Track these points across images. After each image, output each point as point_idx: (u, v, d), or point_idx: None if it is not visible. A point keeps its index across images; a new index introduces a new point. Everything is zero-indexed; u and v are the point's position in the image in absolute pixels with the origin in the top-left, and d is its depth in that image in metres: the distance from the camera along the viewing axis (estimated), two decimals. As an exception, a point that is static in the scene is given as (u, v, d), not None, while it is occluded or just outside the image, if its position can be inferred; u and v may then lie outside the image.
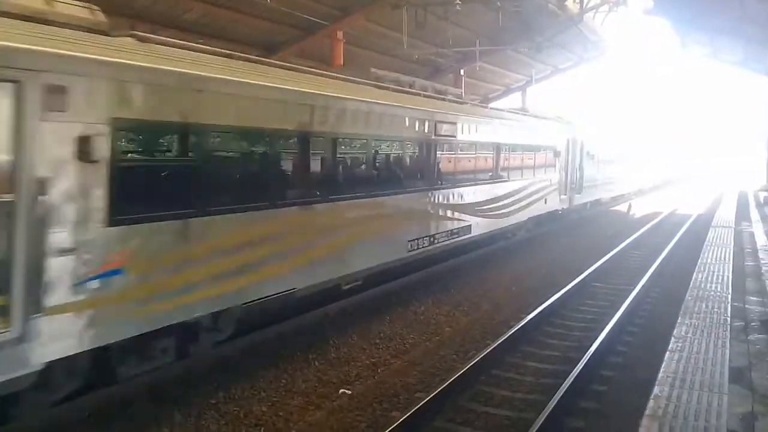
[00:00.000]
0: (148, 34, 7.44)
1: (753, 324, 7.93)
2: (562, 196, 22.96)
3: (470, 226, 14.88)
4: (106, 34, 6.65)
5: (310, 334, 10.09)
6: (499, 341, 9.61)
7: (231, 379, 8.27)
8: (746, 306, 8.80)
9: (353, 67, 13.10)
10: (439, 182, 13.59)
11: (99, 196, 6.23)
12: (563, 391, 7.71)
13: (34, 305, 5.70)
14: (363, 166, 11.13)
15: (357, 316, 11.20)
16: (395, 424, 6.78)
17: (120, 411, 7.09)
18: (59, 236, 5.86)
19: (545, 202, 21.21)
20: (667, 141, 53.67)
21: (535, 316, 11.01)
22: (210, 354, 8.42)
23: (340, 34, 22.21)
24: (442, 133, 13.32)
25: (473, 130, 14.97)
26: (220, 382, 8.13)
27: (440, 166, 13.67)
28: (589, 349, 9.26)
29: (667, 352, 6.74)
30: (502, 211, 17.10)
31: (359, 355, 9.54)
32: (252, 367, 8.71)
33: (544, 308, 11.52)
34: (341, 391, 8.21)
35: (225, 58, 8.29)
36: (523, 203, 18.66)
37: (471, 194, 14.88)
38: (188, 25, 17.90)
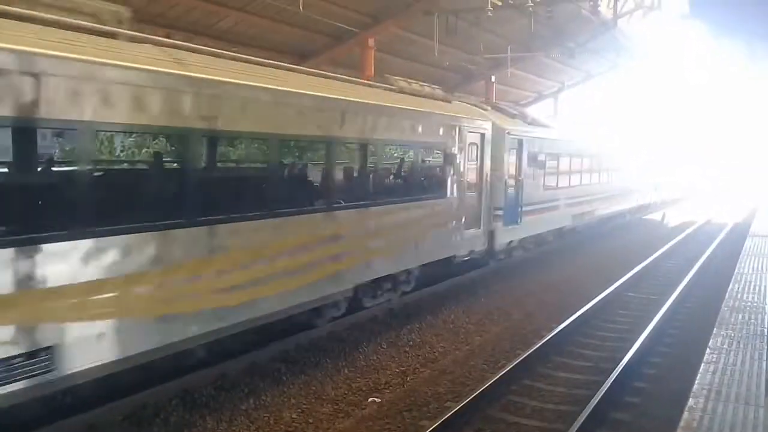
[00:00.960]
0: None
1: (791, 336, 7.73)
2: (470, 231, 14.03)
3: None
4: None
5: (339, 341, 10.12)
6: (530, 351, 9.52)
7: (261, 385, 8.34)
8: (784, 317, 8.58)
9: (384, 75, 13.20)
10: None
11: None
12: (595, 402, 7.61)
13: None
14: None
15: (386, 324, 11.21)
16: (425, 433, 6.76)
17: (153, 415, 7.20)
18: None
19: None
20: (699, 149, 52.51)
21: (566, 326, 10.89)
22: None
23: (371, 42, 22.29)
24: None
25: None
26: (250, 388, 8.21)
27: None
28: (622, 360, 9.13)
29: (702, 364, 6.60)
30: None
31: (389, 363, 9.54)
32: (282, 373, 8.76)
33: (576, 318, 11.39)
34: (370, 399, 8.22)
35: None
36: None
37: None
38: (222, 33, 18.14)
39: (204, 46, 8.30)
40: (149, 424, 7.06)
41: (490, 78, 31.15)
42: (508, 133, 15.47)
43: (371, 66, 22.34)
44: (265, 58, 9.53)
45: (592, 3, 23.10)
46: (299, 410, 7.81)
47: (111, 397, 6.93)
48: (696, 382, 6.11)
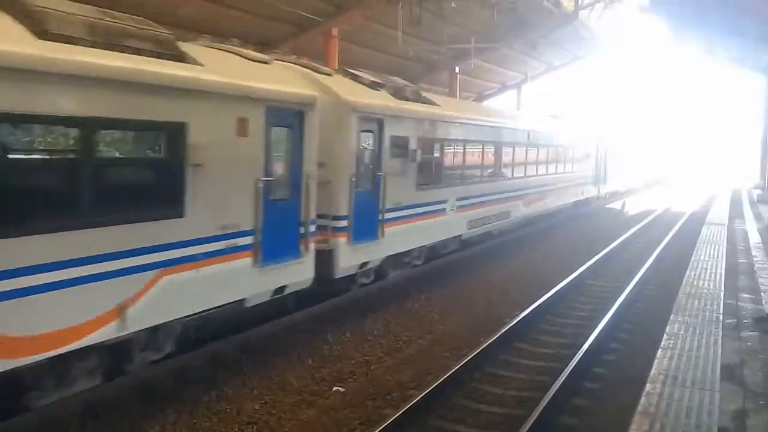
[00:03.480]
0: None
1: (745, 321, 7.94)
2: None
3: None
4: None
5: (302, 331, 10.07)
6: (492, 338, 9.61)
7: (223, 377, 8.25)
8: (739, 303, 8.80)
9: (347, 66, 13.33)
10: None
11: None
12: (556, 389, 7.71)
13: None
14: None
15: (351, 313, 11.19)
16: (388, 422, 6.77)
17: (111, 408, 7.06)
18: None
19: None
20: (662, 138, 53.88)
21: (528, 314, 11.01)
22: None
23: (335, 31, 22.18)
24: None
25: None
26: (212, 380, 8.11)
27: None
28: (582, 346, 9.27)
29: (660, 350, 6.74)
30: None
31: (352, 353, 9.53)
32: (244, 364, 8.69)
33: (538, 305, 11.53)
34: (334, 388, 8.20)
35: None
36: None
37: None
38: (181, 21, 17.82)
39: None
40: (107, 417, 6.92)
41: (454, 69, 31.28)
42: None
43: (335, 56, 22.23)
44: (227, 46, 9.43)
45: (554, -5, 23.38)
46: (262, 401, 7.75)
47: (64, 389, 6.77)
48: (653, 367, 6.23)
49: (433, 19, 22.34)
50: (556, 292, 12.59)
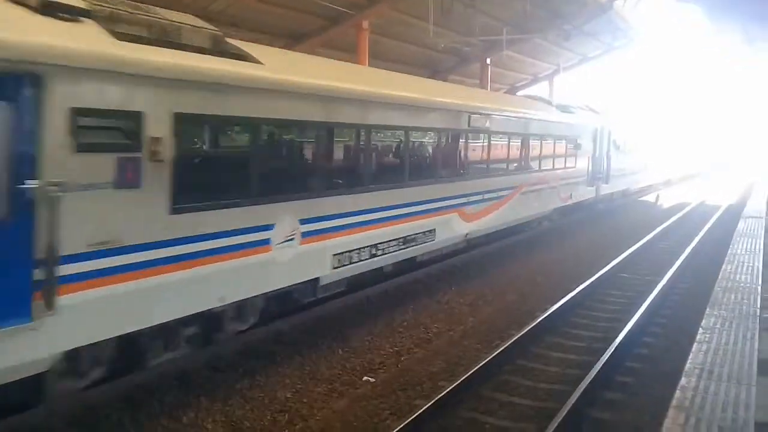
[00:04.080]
0: None
1: (783, 316, 7.79)
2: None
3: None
4: None
5: (334, 322, 10.15)
6: (524, 331, 9.57)
7: (256, 366, 8.37)
8: (776, 298, 8.64)
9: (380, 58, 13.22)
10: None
11: None
12: (588, 382, 7.66)
13: None
14: None
15: (381, 305, 11.23)
16: (419, 413, 6.80)
17: (148, 396, 7.22)
18: None
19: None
20: (698, 130, 52.76)
21: (560, 307, 10.94)
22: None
23: (365, 24, 22.18)
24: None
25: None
26: (245, 369, 8.23)
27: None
28: (614, 340, 9.19)
29: (695, 344, 6.65)
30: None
31: (383, 344, 9.57)
32: (277, 354, 8.79)
33: (570, 299, 11.44)
34: (365, 378, 8.26)
35: None
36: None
37: None
38: (215, 15, 18.00)
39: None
40: (145, 405, 7.08)
41: (485, 60, 31.05)
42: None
43: (365, 48, 22.25)
44: (259, 40, 9.52)
45: (588, -16, 23.06)
46: (294, 390, 7.84)
47: (106, 378, 6.93)
48: (688, 361, 6.16)
49: (465, 10, 22.22)
50: (588, 285, 12.47)
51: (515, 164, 16.39)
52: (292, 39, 21.57)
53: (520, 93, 38.38)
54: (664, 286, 12.49)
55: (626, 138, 26.43)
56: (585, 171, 21.77)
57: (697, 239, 18.15)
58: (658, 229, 20.20)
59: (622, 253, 15.87)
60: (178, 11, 7.59)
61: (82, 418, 6.58)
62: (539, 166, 17.78)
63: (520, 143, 16.65)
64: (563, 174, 19.63)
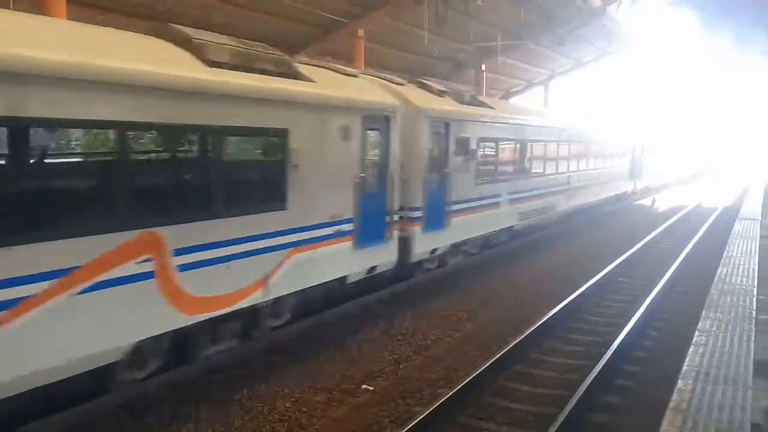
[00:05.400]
0: None
1: (779, 317, 7.83)
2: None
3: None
4: None
5: (332, 330, 10.16)
6: (521, 337, 9.59)
7: (254, 376, 8.37)
8: (773, 299, 8.68)
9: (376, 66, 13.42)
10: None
11: None
12: (586, 386, 7.68)
13: None
14: None
15: (378, 312, 11.24)
16: (418, 420, 6.81)
17: (146, 407, 7.21)
18: None
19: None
20: (696, 134, 53.22)
21: (557, 312, 10.96)
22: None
23: (361, 32, 22.27)
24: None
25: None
26: (243, 379, 8.23)
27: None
28: (612, 344, 9.21)
29: (692, 346, 6.68)
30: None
31: (382, 351, 9.58)
32: (275, 363, 8.80)
33: (567, 304, 11.47)
34: (364, 386, 8.27)
35: None
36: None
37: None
38: (212, 26, 18.05)
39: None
40: (143, 415, 7.08)
41: (481, 66, 31.17)
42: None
43: (361, 56, 22.33)
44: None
45: (581, -10, 23.19)
46: (293, 399, 7.84)
47: (105, 389, 6.94)
48: (685, 363, 6.18)
49: (459, 18, 22.30)
50: (586, 290, 12.51)
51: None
52: (288, 48, 21.63)
53: (514, 99, 38.52)
54: (661, 289, 12.52)
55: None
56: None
57: (694, 240, 18.21)
58: (655, 233, 20.26)
59: (620, 256, 15.90)
60: (177, 23, 7.74)
61: (77, 427, 6.58)
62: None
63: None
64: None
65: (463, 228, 13.89)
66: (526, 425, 7.25)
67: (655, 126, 38.82)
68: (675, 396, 5.41)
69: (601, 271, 14.18)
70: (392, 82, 12.67)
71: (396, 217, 11.31)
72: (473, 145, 14.07)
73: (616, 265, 15.02)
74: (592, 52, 36.86)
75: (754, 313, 7.89)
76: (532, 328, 10.00)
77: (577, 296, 12.01)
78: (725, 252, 11.93)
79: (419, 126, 12.20)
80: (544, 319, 10.48)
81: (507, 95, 39.12)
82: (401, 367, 9.00)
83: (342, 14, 21.00)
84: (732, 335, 7.00)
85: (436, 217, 12.77)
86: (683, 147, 46.53)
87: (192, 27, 8.21)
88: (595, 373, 8.09)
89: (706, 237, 19.63)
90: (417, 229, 12.20)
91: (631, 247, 17.24)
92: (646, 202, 32.10)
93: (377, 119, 10.72)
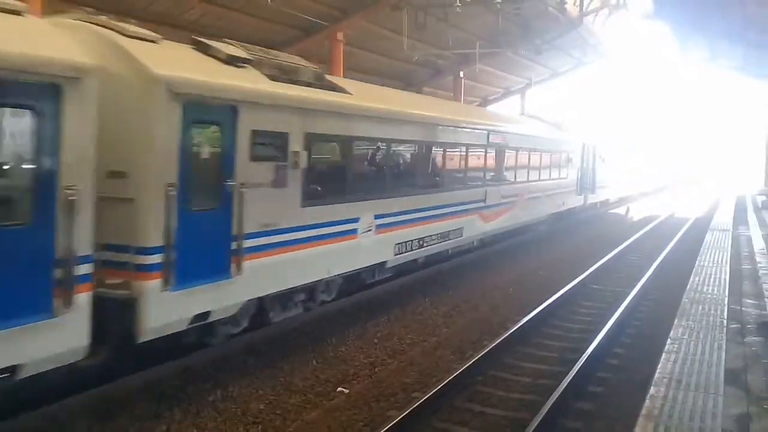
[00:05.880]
0: None
1: (749, 326, 7.97)
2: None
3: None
4: None
5: (307, 334, 10.12)
6: (496, 342, 9.64)
7: (229, 377, 8.30)
8: (743, 309, 8.84)
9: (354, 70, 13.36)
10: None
11: None
12: (559, 392, 7.74)
13: None
14: None
15: (354, 316, 11.23)
16: (392, 423, 6.81)
17: (118, 408, 7.11)
18: None
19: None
20: (666, 144, 53.94)
21: (532, 318, 11.04)
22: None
23: (340, 35, 22.25)
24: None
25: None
26: (217, 380, 8.16)
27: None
28: (585, 350, 9.30)
29: (663, 354, 6.78)
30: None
31: (357, 355, 9.57)
32: (250, 365, 8.74)
33: (541, 310, 11.56)
34: (339, 389, 8.24)
35: None
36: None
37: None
38: (188, 24, 17.92)
39: (168, 37, 8.29)
40: (116, 417, 6.98)
41: (459, 73, 31.34)
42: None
43: (340, 60, 22.31)
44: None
45: (558, 0, 23.42)
46: (267, 401, 7.79)
47: (75, 389, 6.83)
48: (657, 371, 6.27)
49: (438, 24, 22.40)
50: (559, 297, 12.61)
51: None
52: (267, 49, 21.56)
53: (491, 106, 38.77)
54: (634, 296, 12.69)
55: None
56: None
57: (666, 251, 18.48)
58: (629, 241, 20.52)
59: (593, 264, 16.07)
60: (152, 22, 7.63)
61: (48, 430, 6.46)
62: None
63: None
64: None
65: (272, 273, 8.91)
66: (500, 430, 7.28)
67: (618, 131, 38.35)
68: (647, 402, 5.48)
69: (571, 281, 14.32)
70: (124, 34, 7.51)
71: (84, 268, 6.15)
72: (296, 146, 9.17)
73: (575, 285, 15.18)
74: (569, 62, 37.28)
75: (725, 321, 8.02)
76: (507, 334, 10.05)
77: (550, 303, 12.10)
78: (697, 261, 12.13)
79: (155, 107, 7.17)
80: (517, 327, 10.53)
81: (484, 102, 39.38)
82: (376, 370, 8.99)
83: (322, 17, 20.98)
84: (704, 343, 7.11)
85: (203, 259, 7.78)
86: (655, 155, 46.74)
87: (167, 24, 8.11)
88: (569, 380, 8.15)
89: (677, 247, 19.93)
90: (151, 284, 7.04)
91: (600, 260, 17.43)
92: (620, 211, 32.49)
93: (22, 89, 5.65)
